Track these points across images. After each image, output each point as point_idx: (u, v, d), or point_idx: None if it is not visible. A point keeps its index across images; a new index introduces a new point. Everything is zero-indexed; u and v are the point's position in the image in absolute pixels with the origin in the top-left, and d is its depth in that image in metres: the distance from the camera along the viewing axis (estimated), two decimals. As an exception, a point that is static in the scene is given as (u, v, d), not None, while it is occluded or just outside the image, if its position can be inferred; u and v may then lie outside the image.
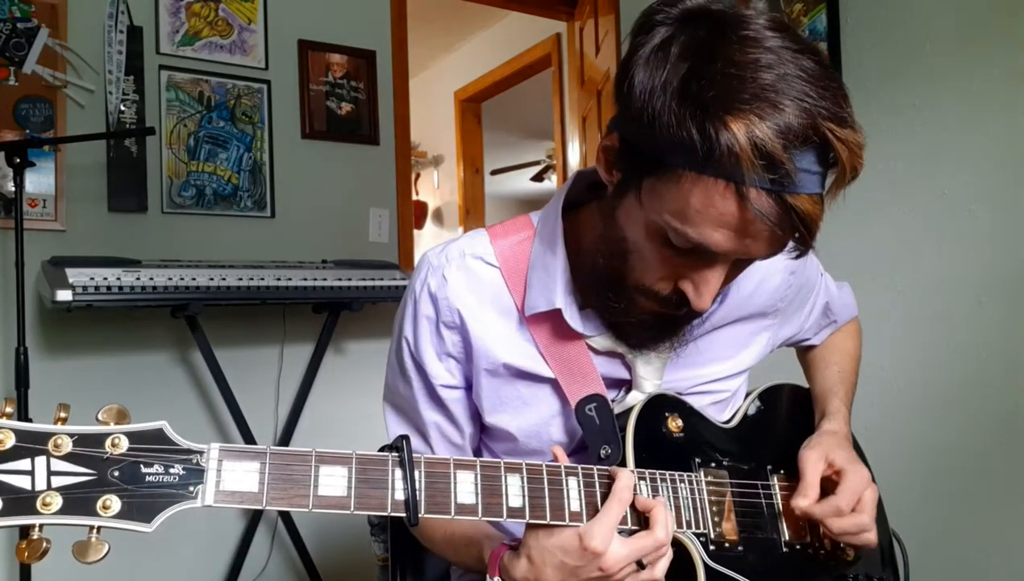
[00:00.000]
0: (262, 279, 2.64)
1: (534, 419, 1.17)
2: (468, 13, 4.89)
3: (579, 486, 0.98)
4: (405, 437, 0.89)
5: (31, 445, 0.74)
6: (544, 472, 0.97)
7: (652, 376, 1.15)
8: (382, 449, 0.91)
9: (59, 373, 2.65)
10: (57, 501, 0.73)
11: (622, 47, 3.35)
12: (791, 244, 0.90)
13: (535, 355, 1.13)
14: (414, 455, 0.89)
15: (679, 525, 1.06)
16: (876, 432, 2.27)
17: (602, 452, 1.09)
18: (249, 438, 2.80)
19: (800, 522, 1.19)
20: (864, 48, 2.50)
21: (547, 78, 4.91)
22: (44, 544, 0.72)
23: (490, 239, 1.17)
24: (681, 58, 0.85)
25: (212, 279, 2.56)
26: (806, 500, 1.13)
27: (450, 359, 1.16)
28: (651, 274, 0.98)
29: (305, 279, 2.72)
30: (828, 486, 1.16)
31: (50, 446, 0.74)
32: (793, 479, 1.19)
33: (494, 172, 7.33)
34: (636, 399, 1.14)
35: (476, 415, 1.22)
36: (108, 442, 0.76)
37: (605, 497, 0.99)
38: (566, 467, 0.99)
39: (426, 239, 6.50)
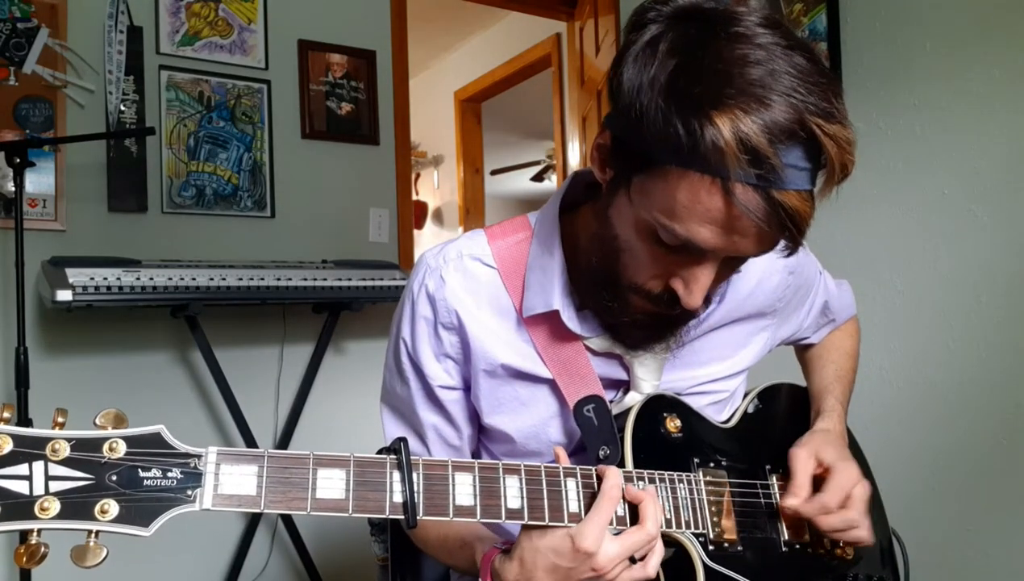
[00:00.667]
0: (262, 279, 2.64)
1: (532, 420, 1.17)
2: (468, 13, 4.88)
3: (578, 487, 0.98)
4: (403, 439, 0.89)
5: (29, 450, 0.74)
6: (543, 473, 0.97)
7: (650, 377, 1.15)
8: (380, 452, 0.91)
9: (59, 373, 2.65)
10: (55, 506, 0.73)
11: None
12: (781, 242, 0.90)
13: (533, 356, 1.13)
14: (412, 457, 0.89)
15: (678, 525, 1.06)
16: (876, 431, 2.27)
17: (601, 453, 1.09)
18: (249, 438, 2.80)
19: (800, 521, 1.19)
20: (864, 48, 2.50)
21: (547, 78, 4.91)
22: (42, 549, 0.72)
23: (488, 240, 1.17)
24: (669, 54, 0.85)
25: (212, 279, 2.56)
26: (795, 499, 1.13)
27: (448, 360, 1.16)
28: (643, 272, 0.98)
29: (305, 279, 2.72)
30: (819, 484, 1.16)
31: (48, 451, 0.74)
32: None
33: (494, 172, 7.33)
34: (634, 400, 1.15)
35: (474, 416, 1.22)
36: (106, 446, 0.76)
37: None
38: (564, 468, 0.98)
39: (426, 239, 6.50)
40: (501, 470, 0.94)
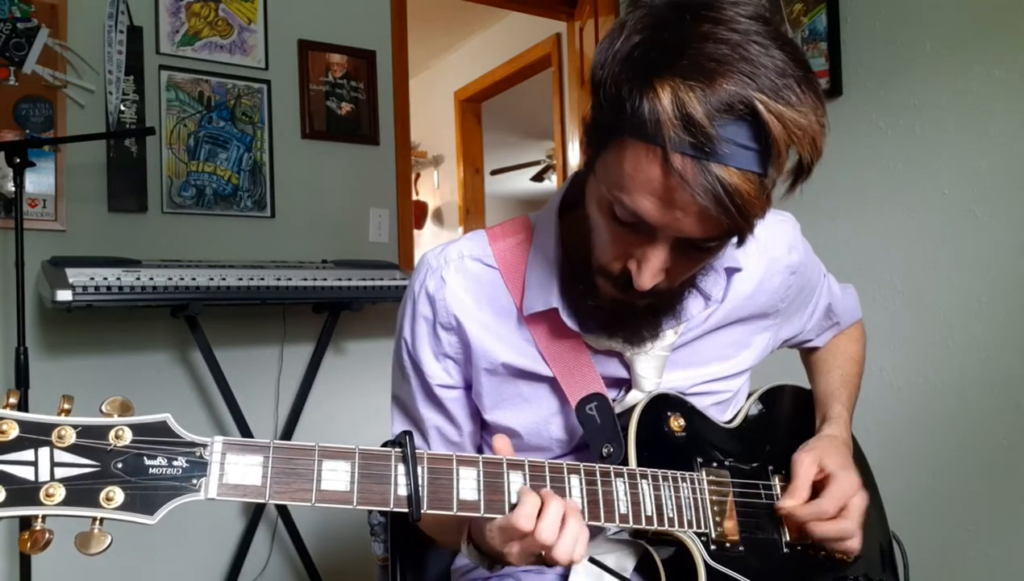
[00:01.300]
0: (262, 279, 2.64)
1: (535, 417, 1.17)
2: (468, 13, 4.89)
3: (581, 483, 0.98)
4: (408, 433, 0.89)
5: (35, 436, 0.74)
6: (547, 469, 0.97)
7: (651, 375, 1.15)
8: (385, 445, 0.91)
9: (59, 373, 2.65)
10: (60, 492, 0.73)
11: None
12: (726, 223, 0.86)
13: (534, 355, 1.13)
14: (416, 451, 0.89)
15: (680, 524, 1.06)
16: (876, 432, 2.27)
17: (604, 451, 1.09)
18: (249, 438, 2.79)
19: (798, 523, 1.19)
20: (864, 48, 2.51)
21: (547, 78, 4.91)
22: (47, 535, 0.72)
23: (489, 241, 1.17)
24: (635, 31, 0.85)
25: (212, 279, 2.56)
26: (792, 501, 1.13)
27: (447, 359, 1.17)
28: (605, 252, 0.98)
29: (305, 279, 2.72)
30: (819, 490, 1.16)
31: (54, 437, 0.74)
32: None
33: (494, 172, 7.33)
34: (636, 398, 1.15)
35: (475, 414, 1.22)
36: (112, 434, 0.76)
37: (607, 494, 0.99)
38: (568, 465, 0.98)
39: (426, 239, 6.50)
40: (505, 465, 0.94)
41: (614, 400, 1.16)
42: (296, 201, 3.12)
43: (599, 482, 1.00)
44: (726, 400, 1.26)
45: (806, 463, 1.16)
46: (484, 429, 1.25)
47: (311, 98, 3.17)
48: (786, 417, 1.34)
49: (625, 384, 1.17)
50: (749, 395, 1.32)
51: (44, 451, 0.73)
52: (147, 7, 2.88)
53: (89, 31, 2.77)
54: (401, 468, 0.88)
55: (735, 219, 0.84)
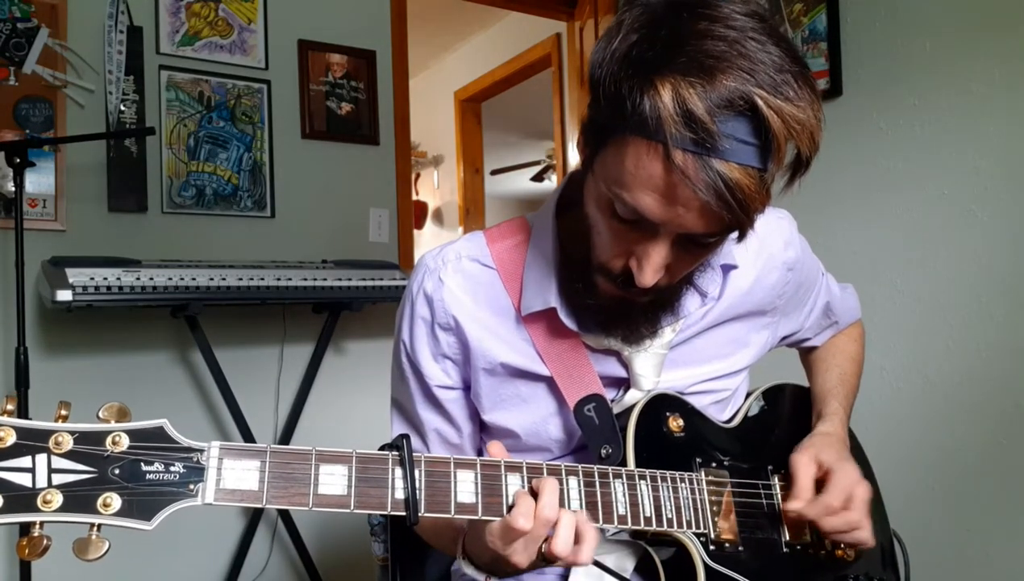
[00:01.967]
0: (262, 279, 2.64)
1: (533, 417, 1.17)
2: (468, 13, 4.89)
3: (579, 485, 0.98)
4: (405, 436, 0.89)
5: (32, 442, 0.74)
6: (545, 471, 0.96)
7: (650, 374, 1.15)
8: (383, 448, 0.91)
9: (59, 373, 2.65)
10: (58, 499, 0.73)
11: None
12: (727, 218, 0.86)
13: (532, 354, 1.14)
14: (414, 454, 0.89)
15: (680, 525, 1.06)
16: (876, 431, 2.27)
17: (603, 452, 1.09)
18: (249, 438, 2.79)
19: (799, 522, 1.19)
20: (864, 48, 2.51)
21: (547, 78, 4.91)
22: (45, 541, 0.72)
23: (487, 242, 1.18)
24: (632, 29, 0.86)
25: (212, 279, 2.56)
26: (799, 502, 1.13)
27: (446, 360, 1.17)
28: (605, 250, 0.98)
29: (305, 279, 2.72)
30: (821, 486, 1.16)
31: (51, 443, 0.74)
32: None
33: (494, 172, 7.33)
34: (635, 398, 1.15)
35: (474, 415, 1.22)
36: (109, 440, 0.76)
37: (605, 496, 0.99)
38: (567, 466, 0.98)
39: (426, 239, 6.50)
40: (503, 467, 0.94)
41: (612, 400, 1.16)
42: (296, 201, 3.12)
43: (597, 484, 1.00)
44: (725, 399, 1.26)
45: (803, 462, 1.16)
46: (483, 430, 1.25)
47: (311, 98, 3.17)
48: (785, 416, 1.34)
49: (623, 383, 1.17)
50: (748, 394, 1.32)
51: (41, 457, 0.73)
52: (147, 7, 2.88)
53: (89, 31, 2.77)
54: (398, 471, 0.88)
55: (736, 214, 0.85)
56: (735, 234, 0.92)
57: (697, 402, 1.20)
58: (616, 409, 1.13)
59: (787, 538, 1.17)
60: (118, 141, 2.78)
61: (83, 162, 2.73)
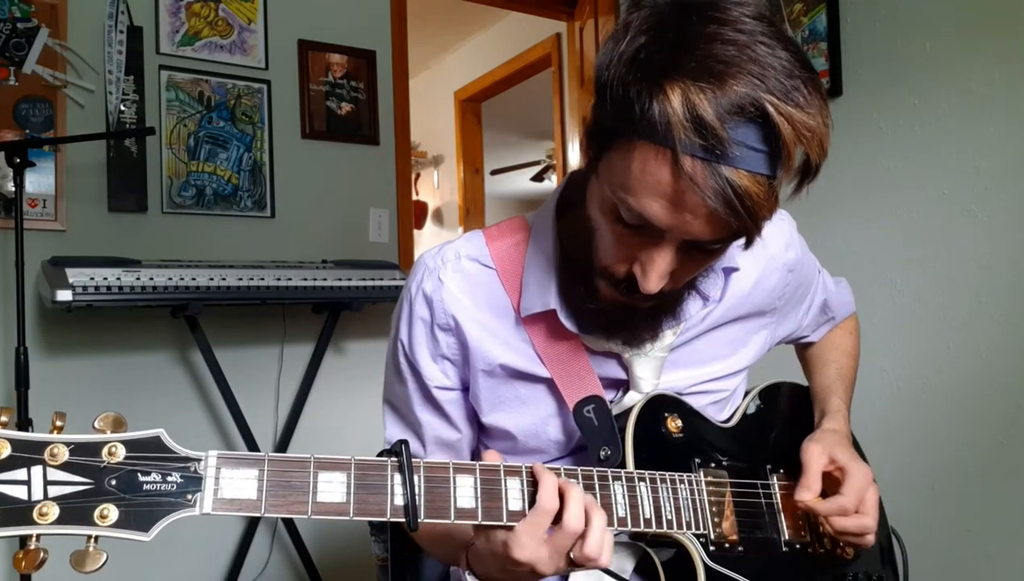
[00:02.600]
0: (262, 279, 2.64)
1: (532, 419, 1.17)
2: (468, 13, 4.88)
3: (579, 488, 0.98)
4: (404, 442, 0.88)
5: (27, 455, 0.73)
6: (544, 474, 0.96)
7: (649, 376, 1.15)
8: (380, 454, 0.90)
9: (59, 373, 2.65)
10: (54, 511, 0.73)
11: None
12: (735, 225, 0.86)
13: (532, 355, 1.13)
14: (413, 460, 0.88)
15: (679, 526, 1.06)
16: (876, 432, 2.27)
17: (601, 453, 1.09)
18: (249, 438, 2.79)
19: (800, 520, 1.19)
20: (864, 48, 2.50)
21: (547, 78, 4.90)
22: (42, 554, 0.72)
23: (486, 241, 1.17)
24: (640, 31, 0.85)
25: (212, 279, 2.56)
26: (809, 493, 1.13)
27: (445, 361, 1.16)
28: (609, 255, 0.97)
29: (305, 279, 2.72)
30: (829, 483, 1.16)
31: (46, 455, 0.74)
32: (792, 478, 1.19)
33: (494, 172, 7.33)
34: (634, 399, 1.14)
35: (472, 416, 1.22)
36: (105, 450, 0.76)
37: (604, 498, 0.99)
38: (566, 469, 0.98)
39: (426, 239, 6.50)
40: (503, 472, 0.94)
41: (611, 401, 1.15)
42: (296, 201, 3.12)
43: (596, 486, 0.99)
44: (723, 399, 1.26)
45: (816, 453, 1.16)
46: (481, 432, 1.25)
47: (311, 98, 3.17)
48: (783, 414, 1.34)
49: (623, 385, 1.17)
50: (746, 394, 1.32)
51: (37, 469, 0.73)
52: (147, 7, 2.88)
53: (89, 31, 2.77)
54: (398, 478, 0.87)
55: (744, 221, 0.84)
56: (741, 240, 0.91)
57: (696, 402, 1.20)
58: (615, 411, 1.13)
59: (787, 537, 1.17)
60: (118, 141, 2.78)
61: (83, 162, 2.73)
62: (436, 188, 6.52)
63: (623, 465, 1.08)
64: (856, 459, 1.18)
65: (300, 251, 3.09)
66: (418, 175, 6.51)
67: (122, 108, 2.80)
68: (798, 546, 1.17)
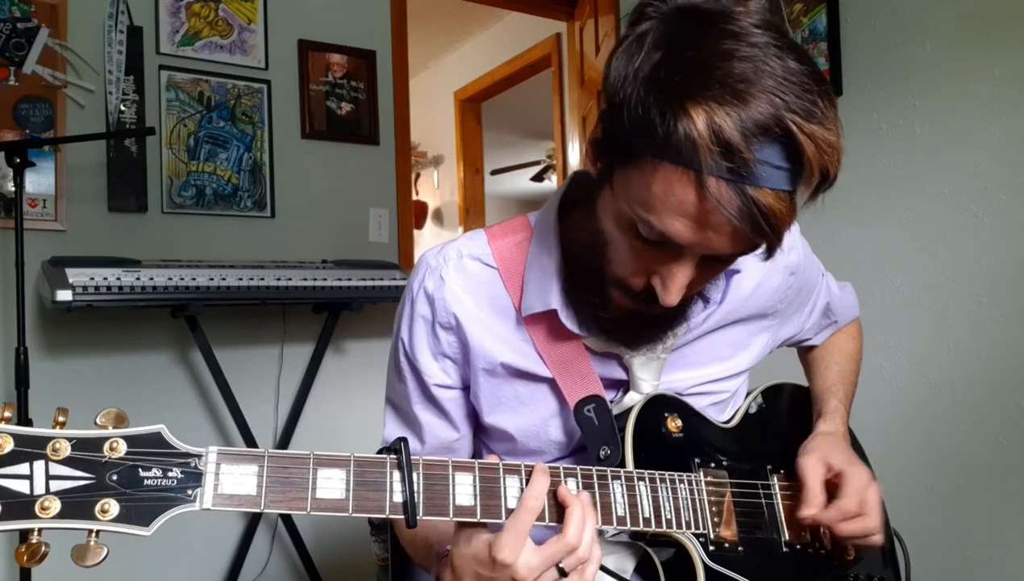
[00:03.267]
0: (262, 279, 2.64)
1: (532, 419, 1.17)
2: (468, 13, 4.89)
3: (578, 487, 0.98)
4: (403, 439, 0.89)
5: (29, 449, 0.74)
6: (545, 472, 0.96)
7: (650, 377, 1.15)
8: (380, 451, 0.91)
9: (59, 373, 2.65)
10: (56, 505, 0.73)
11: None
12: (758, 241, 0.88)
13: (533, 355, 1.13)
14: (412, 457, 0.89)
15: (679, 526, 1.06)
16: (876, 432, 2.27)
17: (601, 453, 1.09)
18: (249, 438, 2.80)
19: (798, 522, 1.19)
20: (864, 48, 2.50)
21: (547, 78, 4.91)
22: (43, 548, 0.73)
23: (488, 240, 1.17)
24: (655, 47, 0.85)
25: (212, 279, 2.56)
26: (813, 508, 1.13)
27: (446, 359, 1.16)
28: (624, 267, 0.98)
29: (305, 279, 2.72)
30: (830, 489, 1.16)
31: (48, 450, 0.74)
32: (793, 479, 1.19)
33: (494, 172, 7.33)
34: (634, 400, 1.15)
35: (471, 415, 1.22)
36: (106, 446, 0.76)
37: (604, 497, 0.99)
38: (565, 468, 0.98)
39: (426, 239, 6.50)
40: (501, 470, 0.94)
41: (612, 401, 1.16)
42: (296, 201, 3.12)
43: (596, 485, 1.00)
44: (724, 400, 1.26)
45: (811, 466, 1.16)
46: (481, 433, 1.25)
47: (311, 98, 3.17)
48: (784, 415, 1.34)
49: (623, 385, 1.17)
50: (747, 395, 1.32)
51: (39, 464, 0.73)
52: (147, 7, 2.88)
53: (89, 31, 2.77)
54: (396, 475, 0.88)
55: (768, 238, 0.86)
56: (761, 251, 0.92)
57: (696, 403, 1.20)
58: (615, 411, 1.13)
59: (787, 537, 1.17)
60: (118, 141, 2.78)
61: (83, 162, 2.73)
62: (436, 188, 6.52)
63: (623, 464, 1.08)
64: (853, 461, 1.18)
65: (300, 251, 3.09)
66: (418, 175, 6.52)
67: (122, 108, 2.80)
68: (799, 547, 1.17)
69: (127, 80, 2.81)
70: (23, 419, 2.22)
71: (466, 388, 1.19)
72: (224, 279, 2.58)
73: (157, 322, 2.81)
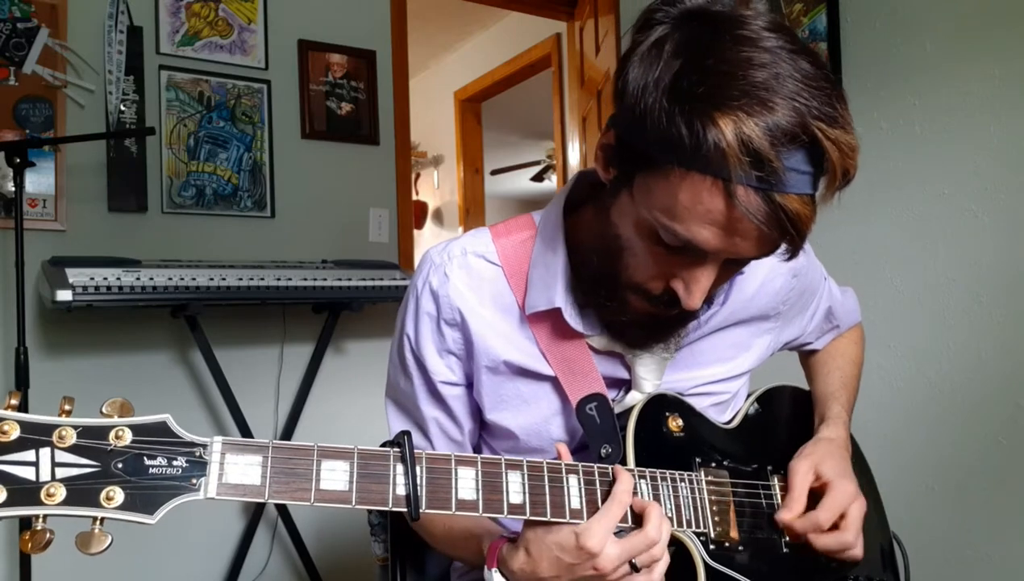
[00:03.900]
0: (262, 279, 2.64)
1: (535, 417, 1.17)
2: (468, 13, 4.89)
3: (579, 484, 0.98)
4: (407, 433, 0.89)
5: (36, 436, 0.74)
6: (545, 469, 0.97)
7: (651, 377, 1.15)
8: (384, 445, 0.91)
9: (59, 373, 2.65)
10: (61, 492, 0.73)
11: (622, 46, 3.36)
12: (782, 245, 0.90)
13: (536, 353, 1.14)
14: (415, 451, 0.89)
15: (679, 524, 1.06)
16: (875, 432, 2.27)
17: (603, 451, 1.09)
18: (249, 438, 2.79)
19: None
20: (864, 48, 2.51)
21: (547, 78, 4.91)
22: (48, 535, 0.73)
23: (492, 237, 1.17)
24: (674, 55, 0.86)
25: (212, 279, 2.56)
26: (789, 513, 1.14)
27: (450, 356, 1.17)
28: (643, 272, 0.99)
29: (305, 279, 2.72)
30: (818, 497, 1.16)
31: (54, 438, 0.75)
32: None
33: (494, 172, 7.34)
34: (636, 399, 1.15)
35: (476, 412, 1.22)
36: (112, 434, 0.76)
37: (606, 495, 0.99)
38: (566, 465, 0.99)
39: (426, 239, 6.50)
40: (504, 465, 0.94)
41: (613, 400, 1.16)
42: (296, 201, 3.13)
43: (597, 482, 1.00)
44: (725, 401, 1.26)
45: (801, 471, 1.17)
46: (484, 430, 1.25)
47: (311, 98, 3.17)
48: (785, 418, 1.34)
49: (625, 385, 1.18)
50: (748, 396, 1.32)
51: (45, 451, 0.74)
52: (147, 7, 2.88)
53: (89, 31, 2.77)
54: (400, 468, 0.88)
55: (794, 241, 0.88)
56: (782, 251, 0.93)
57: (697, 403, 1.20)
58: (616, 409, 1.14)
59: (787, 538, 1.17)
60: (118, 141, 2.79)
61: (83, 162, 2.73)
62: (436, 188, 6.53)
63: (624, 463, 1.08)
64: (842, 473, 1.18)
65: (300, 251, 3.09)
66: (418, 175, 6.52)
67: (122, 108, 2.80)
68: (799, 548, 1.17)
69: (127, 80, 2.82)
70: (23, 418, 2.22)
71: (470, 385, 1.19)
72: (224, 279, 2.58)
73: (157, 322, 2.81)
